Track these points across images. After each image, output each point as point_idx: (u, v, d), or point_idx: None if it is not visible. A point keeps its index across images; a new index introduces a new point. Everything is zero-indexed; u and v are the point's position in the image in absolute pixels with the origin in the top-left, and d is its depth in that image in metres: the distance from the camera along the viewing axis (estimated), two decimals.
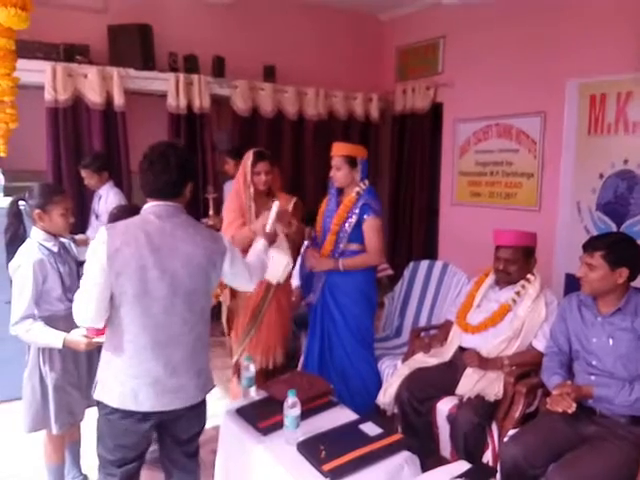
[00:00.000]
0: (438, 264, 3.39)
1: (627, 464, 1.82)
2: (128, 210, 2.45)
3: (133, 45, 3.97)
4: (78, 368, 2.19)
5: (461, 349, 2.53)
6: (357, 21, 5.18)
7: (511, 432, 2.14)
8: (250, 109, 4.44)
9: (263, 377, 2.72)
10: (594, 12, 3.45)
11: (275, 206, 2.37)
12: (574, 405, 1.91)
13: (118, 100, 3.90)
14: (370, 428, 2.00)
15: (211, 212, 3.93)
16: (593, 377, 2.04)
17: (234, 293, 2.74)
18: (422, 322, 3.25)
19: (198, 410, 1.80)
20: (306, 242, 3.09)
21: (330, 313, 2.86)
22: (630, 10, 3.16)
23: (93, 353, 2.12)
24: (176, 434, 1.82)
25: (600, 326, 2.05)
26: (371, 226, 2.71)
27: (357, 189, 2.75)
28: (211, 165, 4.34)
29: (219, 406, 3.12)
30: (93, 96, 3.83)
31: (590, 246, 2.03)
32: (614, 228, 3.43)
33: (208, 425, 2.91)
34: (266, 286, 2.71)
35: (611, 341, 2.01)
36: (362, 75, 5.23)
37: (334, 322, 2.85)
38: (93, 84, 3.81)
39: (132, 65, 3.95)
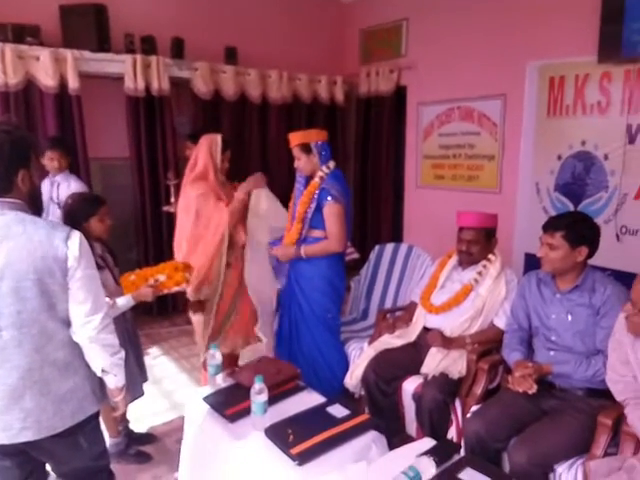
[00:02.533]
0: (403, 247, 3.42)
1: (583, 434, 1.90)
2: (84, 199, 2.36)
3: (87, 26, 3.80)
4: None
5: (426, 329, 2.57)
6: (319, 2, 5.11)
7: (474, 408, 2.19)
8: (212, 92, 4.35)
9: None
10: None
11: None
12: (535, 386, 1.98)
13: (73, 83, 3.74)
14: (337, 410, 2.01)
15: (172, 199, 3.85)
16: (552, 352, 2.11)
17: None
18: (388, 304, 3.29)
19: (70, 440, 1.55)
20: None
21: (297, 300, 2.85)
22: None
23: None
24: (55, 468, 1.65)
25: (559, 302, 2.11)
26: (330, 212, 2.67)
27: (320, 174, 2.72)
28: (172, 150, 4.23)
29: (184, 395, 3.11)
30: (46, 79, 3.66)
31: (550, 226, 2.07)
32: (572, 208, 3.52)
33: (174, 415, 2.95)
34: (240, 271, 2.74)
35: (570, 317, 2.07)
36: (326, 58, 5.18)
37: (301, 309, 2.85)
38: (46, 67, 3.64)
39: (87, 47, 3.79)
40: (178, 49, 4.22)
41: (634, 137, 3.19)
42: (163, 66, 4.06)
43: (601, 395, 1.96)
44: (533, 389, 1.97)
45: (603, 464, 1.74)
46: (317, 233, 2.75)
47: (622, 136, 3.23)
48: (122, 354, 1.61)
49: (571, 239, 2.01)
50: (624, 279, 2.05)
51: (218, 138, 2.66)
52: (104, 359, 1.55)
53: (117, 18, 3.96)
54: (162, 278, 2.28)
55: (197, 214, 2.64)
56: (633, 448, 1.77)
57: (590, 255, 2.06)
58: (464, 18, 4.11)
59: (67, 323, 1.50)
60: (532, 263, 3.20)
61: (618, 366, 1.82)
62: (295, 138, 2.76)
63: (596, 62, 3.25)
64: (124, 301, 2.16)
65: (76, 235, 1.47)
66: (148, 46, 4.08)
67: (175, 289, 2.32)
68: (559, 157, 3.59)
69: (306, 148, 2.72)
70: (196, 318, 2.83)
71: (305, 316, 2.83)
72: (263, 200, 2.78)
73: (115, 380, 1.61)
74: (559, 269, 2.08)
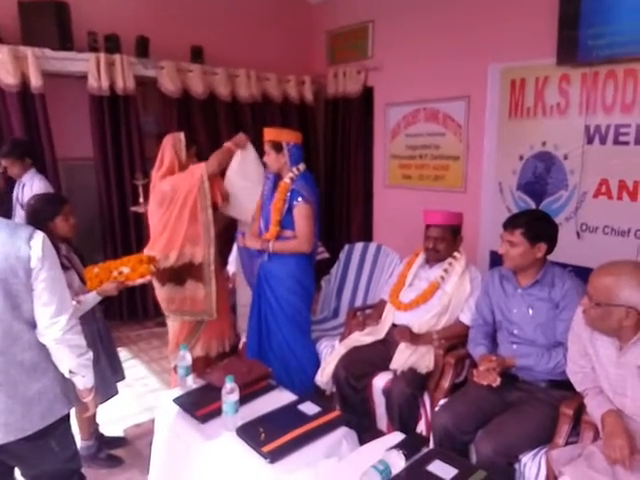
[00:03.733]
0: (372, 246, 3.47)
1: (546, 424, 1.97)
2: (47, 199, 2.31)
3: (48, 23, 3.71)
4: None
5: (395, 326, 2.61)
6: (286, 3, 5.12)
7: (442, 402, 2.25)
8: (180, 90, 4.29)
9: (221, 360, 2.87)
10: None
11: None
12: (499, 379, 2.04)
13: (35, 82, 3.64)
14: (309, 407, 2.03)
15: (141, 200, 3.80)
16: (515, 346, 2.18)
17: None
18: (358, 302, 3.33)
19: (41, 443, 1.54)
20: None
21: (267, 299, 2.86)
22: None
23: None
24: (25, 471, 1.63)
25: (520, 297, 2.19)
26: (300, 212, 2.69)
27: (290, 175, 2.74)
28: (138, 150, 4.16)
29: (155, 398, 3.08)
30: (6, 77, 3.56)
31: (510, 224, 2.15)
32: (534, 206, 3.63)
33: (146, 418, 2.92)
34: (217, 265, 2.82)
35: (531, 311, 2.15)
36: (294, 58, 5.19)
37: (271, 308, 2.86)
38: (5, 64, 3.53)
39: (48, 45, 3.70)
40: (143, 48, 4.16)
41: (592, 138, 3.31)
42: (128, 65, 4.00)
43: (562, 386, 2.04)
44: (497, 382, 2.04)
45: (565, 452, 1.81)
46: (287, 233, 2.76)
47: (581, 137, 3.35)
48: (90, 355, 1.59)
49: (530, 236, 2.08)
50: (584, 275, 2.11)
51: (181, 135, 2.72)
52: (71, 360, 1.54)
53: (79, 16, 3.88)
54: (126, 270, 2.25)
55: (175, 193, 2.69)
56: (592, 436, 1.85)
57: (549, 251, 2.14)
58: (428, 21, 4.19)
59: (33, 324, 1.48)
60: (497, 260, 3.28)
61: (578, 358, 1.89)
62: (268, 134, 2.77)
63: (555, 65, 3.35)
64: (90, 298, 2.15)
65: (39, 235, 1.45)
66: (112, 44, 4.01)
67: (140, 281, 2.30)
68: (521, 157, 3.69)
69: (277, 146, 2.72)
70: (165, 290, 2.81)
71: (275, 315, 2.84)
72: (253, 162, 2.93)
73: (84, 381, 1.59)
74: (520, 265, 2.15)
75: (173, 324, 2.89)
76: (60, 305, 1.49)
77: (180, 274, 2.76)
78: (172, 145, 2.70)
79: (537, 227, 2.11)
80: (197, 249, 2.73)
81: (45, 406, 1.51)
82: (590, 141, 3.32)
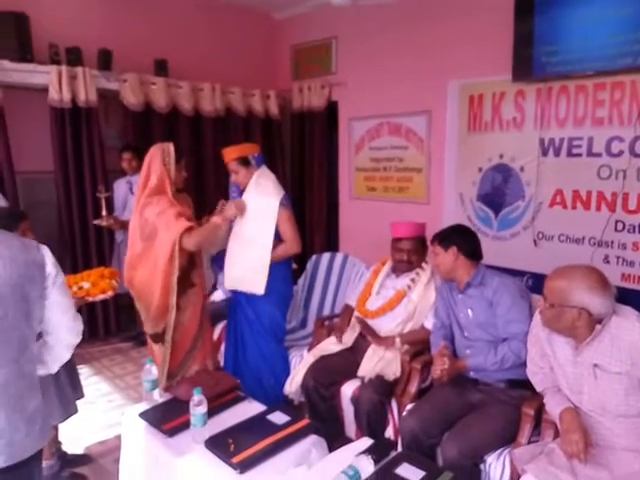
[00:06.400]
0: (339, 256, 3.51)
1: (508, 424, 2.03)
2: (1, 216, 2.22)
3: (7, 35, 3.64)
4: None
5: (362, 335, 2.65)
6: (251, 18, 5.18)
7: (409, 407, 2.29)
8: (142, 104, 4.26)
9: None
10: (473, 18, 3.73)
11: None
12: (447, 362, 2.13)
13: None
14: (278, 417, 2.03)
15: (104, 212, 3.74)
16: (468, 350, 2.29)
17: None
18: (326, 312, 3.35)
19: (25, 473, 1.38)
20: None
21: (243, 309, 2.86)
22: (503, 19, 3.46)
23: None
24: None
25: (461, 301, 2.33)
26: (283, 217, 2.76)
27: None
28: (100, 163, 4.10)
29: (120, 414, 3.00)
30: None
31: (433, 239, 2.39)
32: (492, 216, 3.76)
33: (110, 434, 2.85)
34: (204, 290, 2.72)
35: (470, 312, 2.28)
36: (259, 72, 5.24)
37: (247, 318, 2.86)
38: None
39: (7, 56, 3.63)
40: (105, 61, 4.12)
41: (546, 150, 3.47)
42: (90, 77, 3.95)
43: (520, 386, 2.12)
44: (445, 365, 2.13)
45: (527, 451, 1.87)
46: None
47: (536, 149, 3.50)
48: None
49: (441, 242, 2.32)
50: (541, 281, 2.21)
51: (170, 147, 2.49)
52: (65, 359, 1.59)
53: (40, 28, 3.83)
54: (86, 286, 2.20)
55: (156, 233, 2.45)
56: (553, 434, 1.92)
57: (467, 254, 2.29)
58: (390, 38, 4.31)
59: (36, 334, 1.46)
60: None
61: (537, 359, 1.97)
62: (232, 152, 2.78)
63: (511, 81, 3.51)
64: None
65: (43, 245, 1.49)
66: (74, 57, 3.96)
67: (101, 297, 2.24)
68: (480, 169, 3.83)
69: (245, 161, 2.76)
70: (157, 347, 2.63)
71: (251, 325, 2.85)
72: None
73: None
74: (445, 271, 2.34)
75: (159, 350, 2.66)
76: (74, 311, 1.53)
77: (153, 337, 2.62)
78: (160, 158, 2.46)
79: (445, 234, 2.36)
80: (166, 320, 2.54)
81: (42, 425, 1.42)
82: (545, 153, 3.48)
